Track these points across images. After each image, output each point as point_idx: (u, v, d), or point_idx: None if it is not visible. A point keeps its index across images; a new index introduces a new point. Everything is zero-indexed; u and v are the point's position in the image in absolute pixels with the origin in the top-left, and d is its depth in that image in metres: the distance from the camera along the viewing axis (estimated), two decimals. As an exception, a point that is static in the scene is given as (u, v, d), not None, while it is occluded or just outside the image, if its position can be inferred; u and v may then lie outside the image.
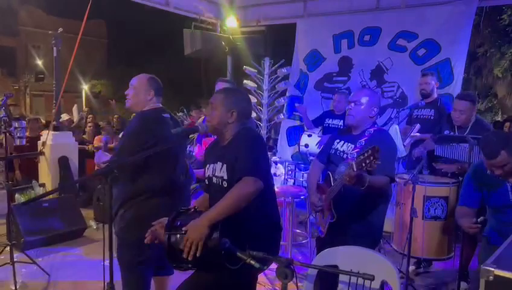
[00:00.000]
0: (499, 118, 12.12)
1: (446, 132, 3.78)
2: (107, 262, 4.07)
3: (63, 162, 6.03)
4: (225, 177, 2.10)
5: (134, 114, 2.93)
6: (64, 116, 7.78)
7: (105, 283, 1.92)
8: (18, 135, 4.18)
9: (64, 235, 4.64)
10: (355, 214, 2.61)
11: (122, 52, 29.44)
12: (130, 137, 2.62)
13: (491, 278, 1.18)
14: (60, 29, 6.06)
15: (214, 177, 2.19)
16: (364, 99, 2.67)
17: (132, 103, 2.74)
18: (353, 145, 2.66)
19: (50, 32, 6.00)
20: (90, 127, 7.80)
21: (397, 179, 3.84)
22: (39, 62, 28.59)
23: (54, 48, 5.90)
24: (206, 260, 1.92)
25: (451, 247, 3.74)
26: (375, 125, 2.74)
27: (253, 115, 5.47)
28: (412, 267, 4.11)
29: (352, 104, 2.69)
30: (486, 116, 13.14)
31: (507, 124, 7.21)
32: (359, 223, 2.62)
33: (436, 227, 3.65)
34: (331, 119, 5.02)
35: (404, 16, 5.37)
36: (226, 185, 2.09)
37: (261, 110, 5.52)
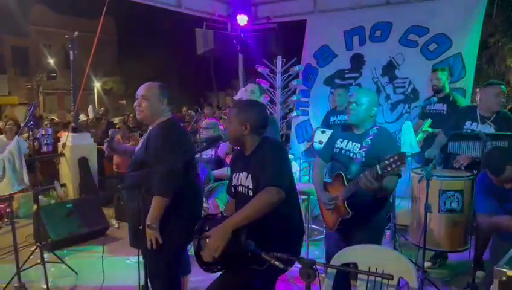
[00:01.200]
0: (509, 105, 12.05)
1: (468, 124, 3.76)
2: (129, 261, 4.22)
3: (83, 163, 6.21)
4: (250, 186, 2.23)
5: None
6: (82, 117, 7.99)
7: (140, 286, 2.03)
8: (45, 142, 4.33)
9: (88, 234, 4.81)
10: (366, 211, 2.74)
11: (131, 49, 29.61)
12: (172, 149, 2.48)
13: (504, 278, 1.27)
14: (76, 33, 6.21)
15: (240, 187, 2.32)
16: (364, 99, 2.77)
17: (147, 115, 2.62)
18: (359, 144, 2.77)
19: (66, 36, 6.15)
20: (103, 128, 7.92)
21: (412, 174, 3.93)
22: (51, 61, 29.00)
23: (71, 52, 6.06)
24: (233, 261, 2.05)
25: (466, 239, 3.81)
26: (377, 125, 2.85)
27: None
28: (427, 264, 4.20)
29: (354, 104, 2.78)
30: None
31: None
32: (370, 218, 2.77)
33: (452, 220, 3.71)
34: (335, 117, 5.08)
35: (415, 10, 5.39)
36: (251, 194, 2.22)
37: (274, 108, 5.60)
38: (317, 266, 1.68)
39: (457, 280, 3.88)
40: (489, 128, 3.64)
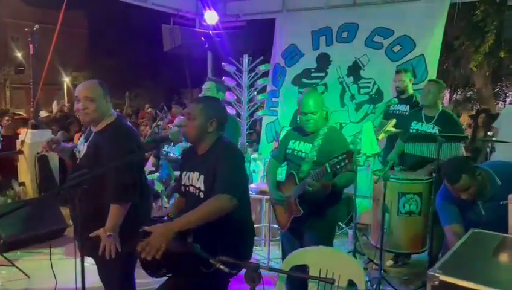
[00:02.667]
0: (475, 108, 12.43)
1: (413, 124, 3.92)
2: (88, 262, 4.09)
3: (43, 160, 5.99)
4: (202, 188, 2.17)
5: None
6: (43, 114, 7.72)
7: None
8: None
9: (45, 235, 4.63)
10: (318, 208, 2.81)
11: (103, 44, 28.98)
12: (126, 155, 2.30)
13: (436, 283, 1.27)
14: (36, 26, 5.98)
15: (190, 187, 2.25)
16: (316, 106, 2.83)
17: (94, 117, 2.43)
18: (310, 145, 2.86)
19: (26, 29, 5.91)
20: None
21: (373, 176, 3.96)
22: (18, 54, 28.02)
23: (31, 46, 5.83)
24: (180, 264, 1.99)
25: (425, 240, 3.87)
26: (326, 124, 2.95)
27: (233, 112, 5.50)
28: (390, 262, 4.26)
29: (309, 115, 2.83)
30: (465, 106, 13.45)
31: (482, 115, 7.38)
32: (321, 217, 2.83)
33: (411, 222, 3.77)
34: None
35: (381, 13, 5.44)
36: (202, 196, 2.15)
37: (240, 106, 5.55)
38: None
39: (415, 279, 3.95)
40: (433, 129, 3.77)
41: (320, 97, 2.98)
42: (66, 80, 28.27)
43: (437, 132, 3.72)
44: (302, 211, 2.75)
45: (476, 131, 7.23)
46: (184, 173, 2.32)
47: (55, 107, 8.65)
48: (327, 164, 2.51)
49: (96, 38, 30.47)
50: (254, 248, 2.48)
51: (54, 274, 2.68)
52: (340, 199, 2.96)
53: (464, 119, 8.85)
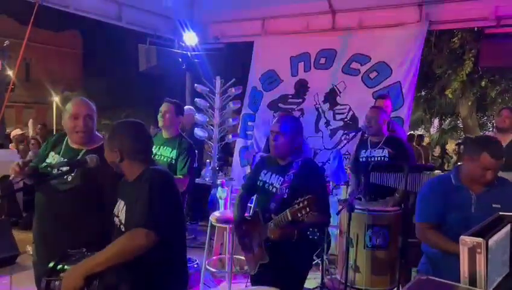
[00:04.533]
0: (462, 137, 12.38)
1: (362, 152, 3.84)
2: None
3: (5, 181, 5.71)
4: (123, 220, 1.93)
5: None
6: (16, 131, 7.46)
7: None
8: None
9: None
10: (286, 254, 2.46)
11: (96, 65, 29.00)
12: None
13: None
14: (7, 42, 5.84)
15: (116, 217, 2.01)
16: (287, 129, 2.52)
17: (92, 136, 2.44)
18: (282, 178, 2.52)
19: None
20: (33, 142, 7.32)
21: (339, 206, 3.75)
22: (10, 73, 27.95)
23: (-1, 62, 5.67)
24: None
25: (394, 277, 3.63)
26: (301, 155, 2.60)
27: (205, 134, 5.31)
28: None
29: (275, 134, 2.52)
30: (451, 135, 13.37)
31: (462, 146, 7.27)
32: (289, 266, 2.48)
33: (379, 256, 3.55)
34: None
35: (358, 38, 5.38)
36: (123, 229, 1.91)
37: (212, 129, 5.37)
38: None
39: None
40: (383, 151, 3.69)
41: (297, 122, 2.68)
42: (56, 100, 28.11)
43: (387, 154, 3.64)
44: (267, 259, 2.44)
45: (458, 160, 7.09)
46: (118, 201, 2.07)
47: (30, 126, 8.39)
48: (287, 211, 2.23)
49: (90, 59, 30.53)
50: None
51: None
52: (309, 247, 2.59)
53: (450, 147, 8.75)
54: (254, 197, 2.86)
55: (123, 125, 2.08)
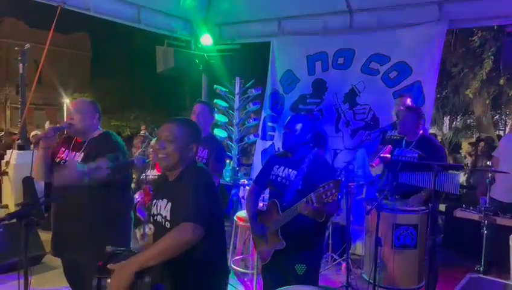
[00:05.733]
0: (476, 135, 12.29)
1: (396, 150, 3.83)
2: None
3: (28, 182, 5.80)
4: (168, 217, 1.97)
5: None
6: (36, 133, 7.54)
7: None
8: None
9: (20, 262, 4.38)
10: (302, 240, 2.61)
11: (106, 66, 29.22)
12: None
13: None
14: (28, 45, 5.91)
15: (158, 216, 2.06)
16: (298, 126, 2.70)
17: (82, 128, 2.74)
18: (295, 171, 2.66)
19: (16, 48, 5.84)
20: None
21: (367, 206, 3.76)
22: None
23: (20, 65, 5.74)
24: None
25: (421, 276, 3.64)
26: (312, 150, 2.76)
27: (225, 134, 5.35)
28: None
29: (286, 130, 2.73)
30: (465, 134, 13.31)
31: (481, 143, 7.21)
32: (305, 249, 2.63)
33: (406, 256, 3.56)
34: None
35: (377, 38, 5.35)
36: (168, 226, 1.96)
37: (232, 130, 5.40)
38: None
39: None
40: (414, 153, 3.70)
41: (309, 119, 2.87)
42: (66, 101, 28.34)
43: (417, 156, 3.64)
44: (284, 243, 2.55)
45: (476, 160, 7.04)
46: (154, 202, 2.13)
47: (47, 128, 8.46)
48: (312, 195, 2.32)
49: (100, 60, 30.75)
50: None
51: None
52: (325, 228, 2.81)
53: (464, 147, 8.67)
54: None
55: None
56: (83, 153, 2.71)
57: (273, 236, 2.61)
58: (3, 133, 7.77)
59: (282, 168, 2.75)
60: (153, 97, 27.24)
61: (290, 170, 2.70)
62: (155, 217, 2.07)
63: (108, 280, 1.79)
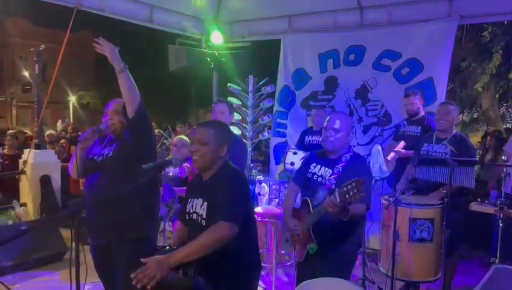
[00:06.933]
0: (484, 130, 12.32)
1: (425, 145, 3.84)
2: (87, 287, 3.99)
3: (45, 181, 5.92)
4: (204, 215, 2.07)
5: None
6: (50, 132, 7.67)
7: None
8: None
9: (44, 259, 4.52)
10: (333, 239, 2.64)
11: (111, 64, 29.27)
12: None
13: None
14: (43, 46, 5.99)
15: (194, 214, 2.16)
16: (341, 125, 2.70)
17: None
18: (330, 171, 2.70)
19: (32, 49, 5.93)
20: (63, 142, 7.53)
21: (382, 201, 3.83)
22: (26, 73, 28.38)
23: (36, 65, 5.83)
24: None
25: (438, 268, 3.72)
26: (351, 150, 2.78)
27: (239, 132, 5.43)
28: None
29: (332, 131, 2.70)
30: (472, 127, 13.34)
31: (489, 137, 7.25)
32: (337, 248, 2.66)
33: (423, 249, 3.63)
34: (310, 136, 5.04)
35: (388, 34, 5.40)
36: (204, 224, 2.06)
37: (245, 127, 5.48)
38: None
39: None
40: (446, 148, 3.69)
41: (348, 119, 2.87)
42: (72, 99, 28.48)
43: (449, 151, 3.65)
44: (315, 242, 2.59)
45: (485, 154, 7.07)
46: (189, 200, 2.23)
47: (59, 126, 8.59)
48: (336, 193, 2.35)
49: (104, 58, 30.81)
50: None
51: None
52: (358, 229, 2.78)
53: (474, 140, 8.69)
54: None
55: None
56: (115, 147, 2.76)
57: (305, 234, 2.66)
58: (15, 131, 7.87)
59: (319, 166, 2.78)
60: (159, 95, 27.35)
61: (326, 169, 2.73)
62: (190, 215, 2.17)
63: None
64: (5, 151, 6.03)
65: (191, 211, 2.17)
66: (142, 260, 1.89)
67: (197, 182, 2.24)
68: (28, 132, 11.28)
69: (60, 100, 27.79)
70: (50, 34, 27.41)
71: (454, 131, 3.83)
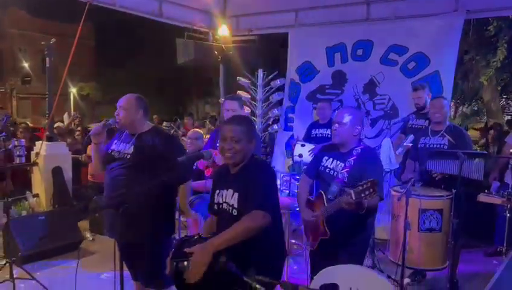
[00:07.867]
0: (483, 121, 12.43)
1: (422, 139, 3.97)
2: (105, 275, 4.10)
3: (57, 172, 6.01)
4: (236, 205, 2.17)
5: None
6: (58, 124, 7.73)
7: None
8: (18, 153, 4.15)
9: (61, 248, 4.64)
10: (346, 230, 2.74)
11: (110, 55, 29.15)
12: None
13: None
14: (53, 40, 6.06)
15: (224, 204, 2.26)
16: (347, 119, 2.78)
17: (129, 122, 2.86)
18: (342, 164, 2.79)
19: (43, 43, 5.99)
20: (78, 134, 7.69)
21: (392, 192, 3.95)
22: (26, 65, 28.27)
23: (47, 59, 5.90)
24: (215, 285, 1.98)
25: (445, 257, 3.85)
26: (361, 143, 2.87)
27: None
28: (407, 280, 4.22)
29: (337, 125, 2.80)
30: (472, 120, 13.43)
31: (491, 131, 7.37)
32: (350, 238, 2.77)
33: (432, 239, 3.75)
34: (317, 129, 5.13)
35: (395, 29, 5.48)
36: (236, 214, 2.16)
37: (255, 120, 5.58)
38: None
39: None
40: (443, 139, 3.82)
41: (356, 112, 2.93)
42: (73, 91, 28.41)
43: (447, 142, 3.78)
44: (329, 234, 2.70)
45: (488, 147, 7.20)
46: (217, 191, 2.33)
47: (66, 118, 8.65)
48: (352, 192, 2.46)
49: (104, 49, 30.68)
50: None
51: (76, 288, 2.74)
52: (370, 222, 2.88)
53: (472, 133, 8.80)
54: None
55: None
56: (132, 146, 2.85)
57: (319, 225, 2.77)
58: (22, 124, 7.96)
59: (331, 160, 2.86)
60: (158, 87, 27.33)
61: (338, 162, 2.81)
62: (220, 205, 2.27)
63: (185, 263, 1.99)
64: (17, 143, 6.10)
65: (221, 202, 2.27)
66: (186, 250, 1.98)
67: (224, 174, 2.34)
68: (29, 123, 11.37)
69: (61, 92, 27.73)
70: (48, 25, 27.33)
71: (448, 122, 3.98)
